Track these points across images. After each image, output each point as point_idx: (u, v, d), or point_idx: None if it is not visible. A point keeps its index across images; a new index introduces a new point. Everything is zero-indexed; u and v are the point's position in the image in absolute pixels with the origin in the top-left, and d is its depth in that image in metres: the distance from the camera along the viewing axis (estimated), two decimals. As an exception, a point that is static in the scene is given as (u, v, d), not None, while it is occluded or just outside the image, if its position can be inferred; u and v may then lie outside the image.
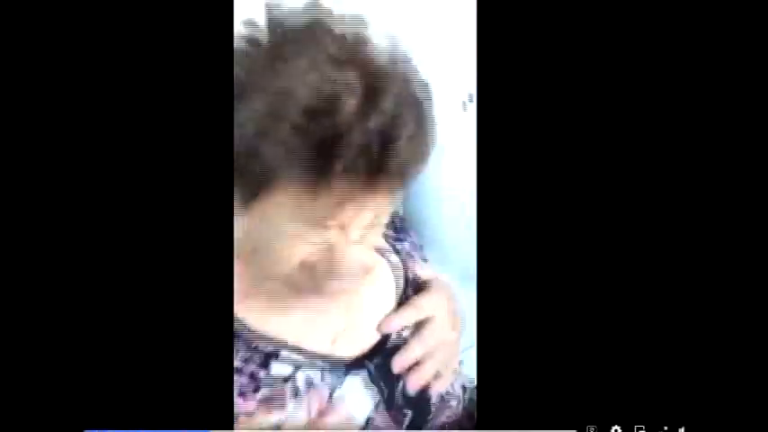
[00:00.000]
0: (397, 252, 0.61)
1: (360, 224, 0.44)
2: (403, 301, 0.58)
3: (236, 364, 0.49)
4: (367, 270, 0.49)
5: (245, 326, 0.51)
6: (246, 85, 0.41)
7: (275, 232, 0.45)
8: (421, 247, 0.65)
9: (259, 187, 0.43)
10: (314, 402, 0.49)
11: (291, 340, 0.51)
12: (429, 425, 0.53)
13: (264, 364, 0.50)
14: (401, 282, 0.59)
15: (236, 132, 0.41)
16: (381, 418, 0.51)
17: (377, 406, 0.51)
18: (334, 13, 0.44)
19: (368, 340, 0.54)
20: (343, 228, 0.43)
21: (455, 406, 0.58)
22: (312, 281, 0.47)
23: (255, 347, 0.50)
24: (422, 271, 0.61)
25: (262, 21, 0.44)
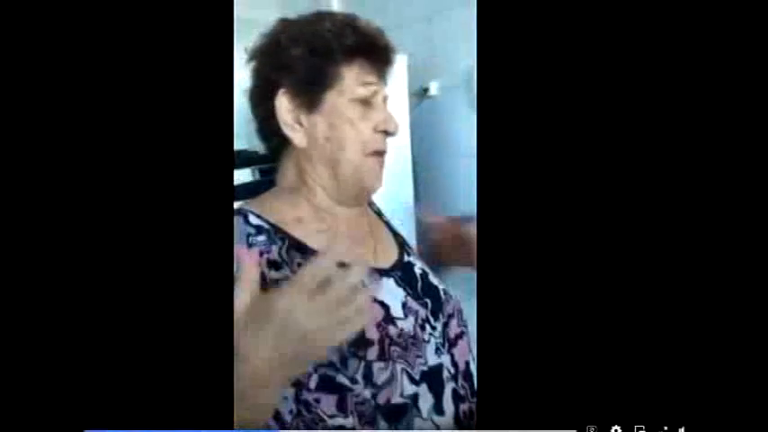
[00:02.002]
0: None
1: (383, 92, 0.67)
2: (400, 240, 0.78)
3: (294, 268, 0.60)
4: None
5: (295, 238, 0.62)
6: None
7: (342, 119, 0.64)
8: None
9: (324, 85, 0.63)
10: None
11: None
12: (443, 310, 0.70)
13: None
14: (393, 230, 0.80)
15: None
16: (411, 303, 0.66)
17: (406, 297, 0.67)
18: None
19: (390, 260, 0.72)
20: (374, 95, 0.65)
21: (455, 299, 0.74)
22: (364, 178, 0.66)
23: (308, 257, 0.61)
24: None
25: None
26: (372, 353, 0.59)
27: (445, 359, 0.66)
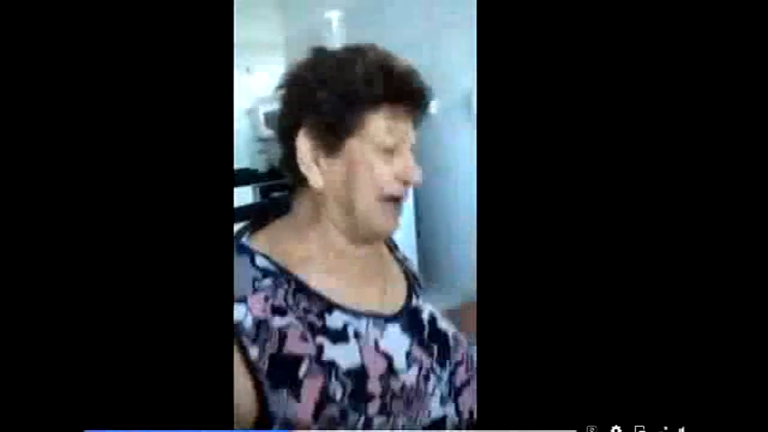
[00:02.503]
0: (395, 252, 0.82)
1: (408, 141, 0.64)
2: (410, 281, 0.76)
3: (299, 313, 0.60)
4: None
5: (301, 281, 0.62)
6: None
7: (361, 164, 0.62)
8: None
9: (347, 131, 0.61)
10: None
11: (347, 302, 0.64)
12: (450, 358, 0.68)
13: (321, 316, 0.61)
14: (404, 270, 0.78)
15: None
16: (416, 351, 0.65)
17: (411, 345, 0.65)
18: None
19: (397, 304, 0.70)
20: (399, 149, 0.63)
21: (465, 344, 0.72)
22: (379, 222, 0.64)
23: (314, 302, 0.61)
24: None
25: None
26: (373, 408, 0.58)
27: (449, 409, 0.65)
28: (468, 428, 0.66)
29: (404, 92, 0.62)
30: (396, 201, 0.66)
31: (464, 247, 2.13)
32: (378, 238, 0.70)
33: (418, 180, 0.65)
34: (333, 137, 0.62)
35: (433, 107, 1.61)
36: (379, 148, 0.62)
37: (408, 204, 1.69)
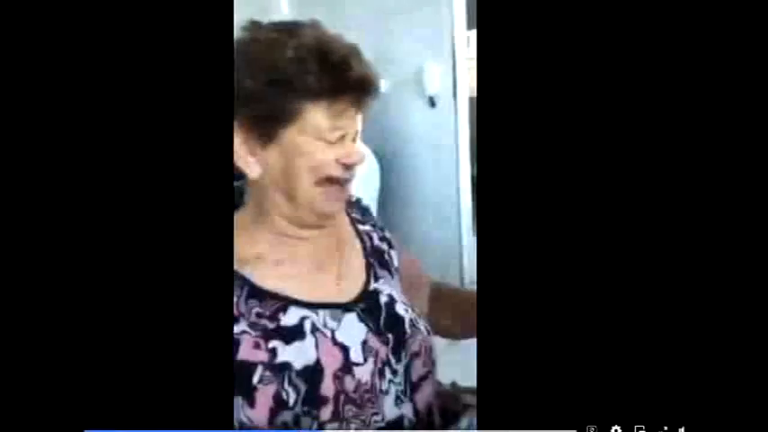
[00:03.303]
0: (362, 224, 0.76)
1: (353, 132, 0.61)
2: (370, 261, 0.72)
3: (251, 320, 0.59)
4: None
5: (253, 284, 0.61)
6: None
7: (300, 153, 0.58)
8: (381, 229, 0.78)
9: (283, 122, 0.57)
10: None
11: (298, 296, 0.62)
12: (406, 348, 0.66)
13: (274, 318, 0.60)
14: (366, 247, 0.74)
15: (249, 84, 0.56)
16: (372, 341, 0.64)
17: (367, 333, 0.64)
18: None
19: (353, 290, 0.67)
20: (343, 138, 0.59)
21: (424, 333, 0.70)
22: (319, 205, 0.61)
23: (267, 304, 0.60)
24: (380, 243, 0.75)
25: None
26: (326, 412, 0.58)
27: (406, 408, 0.64)
28: (426, 428, 0.65)
29: (344, 83, 0.57)
30: (338, 183, 0.62)
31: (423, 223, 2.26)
32: (324, 221, 0.66)
33: (360, 160, 0.62)
34: (266, 128, 0.58)
35: (384, 85, 1.63)
36: (320, 139, 0.58)
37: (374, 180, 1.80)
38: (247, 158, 0.60)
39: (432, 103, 2.17)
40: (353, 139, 0.62)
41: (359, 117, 0.62)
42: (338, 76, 0.57)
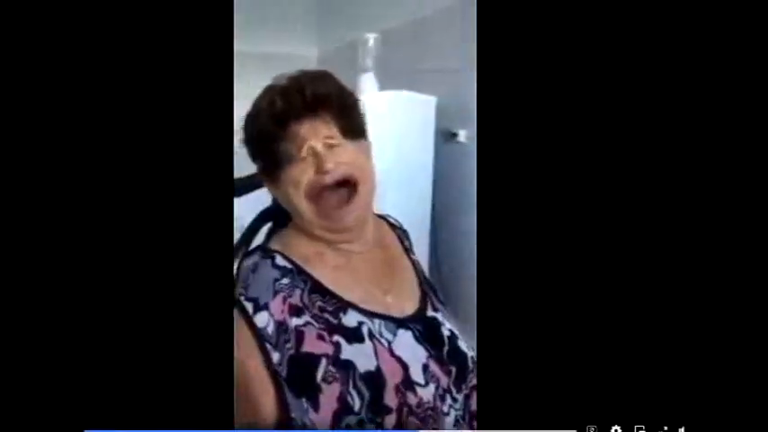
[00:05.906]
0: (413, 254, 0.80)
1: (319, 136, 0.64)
2: (424, 289, 0.73)
3: (314, 312, 0.61)
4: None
5: (316, 280, 0.63)
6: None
7: (286, 180, 0.64)
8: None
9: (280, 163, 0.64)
10: None
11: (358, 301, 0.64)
12: (467, 382, 0.66)
13: (336, 315, 0.62)
14: (419, 275, 0.76)
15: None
16: (434, 367, 0.63)
17: (428, 358, 0.64)
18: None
19: (406, 308, 0.68)
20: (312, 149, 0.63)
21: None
22: (326, 215, 0.64)
23: (329, 301, 0.62)
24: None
25: None
26: (389, 421, 0.57)
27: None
28: None
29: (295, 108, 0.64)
30: (325, 189, 0.64)
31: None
32: (342, 226, 0.67)
33: (333, 165, 0.64)
34: (260, 165, 0.69)
35: (462, 136, 1.53)
36: (292, 162, 0.64)
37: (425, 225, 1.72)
38: (268, 187, 0.70)
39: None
40: (329, 146, 0.64)
41: (321, 127, 0.65)
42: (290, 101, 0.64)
